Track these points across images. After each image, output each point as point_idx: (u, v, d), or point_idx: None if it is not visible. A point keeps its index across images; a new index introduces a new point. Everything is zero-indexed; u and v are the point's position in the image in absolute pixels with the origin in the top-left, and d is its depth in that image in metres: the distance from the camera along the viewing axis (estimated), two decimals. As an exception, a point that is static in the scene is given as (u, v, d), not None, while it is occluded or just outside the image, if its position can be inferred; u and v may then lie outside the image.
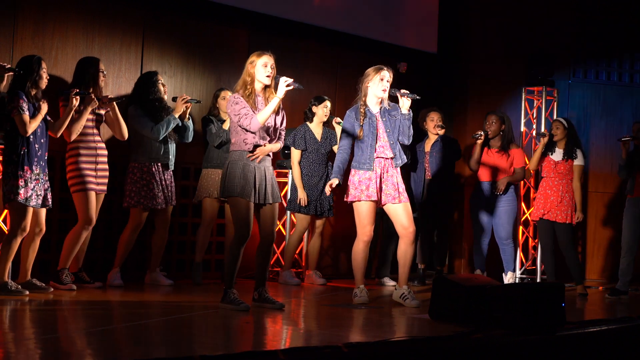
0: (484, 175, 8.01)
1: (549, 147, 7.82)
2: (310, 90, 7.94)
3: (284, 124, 5.78)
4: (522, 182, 8.60)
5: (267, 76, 5.62)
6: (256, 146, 5.59)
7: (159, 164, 6.86)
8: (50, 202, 6.00)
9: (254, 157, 5.58)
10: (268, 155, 5.69)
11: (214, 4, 7.64)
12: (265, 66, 5.62)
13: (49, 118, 6.09)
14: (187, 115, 7.01)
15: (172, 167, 7.00)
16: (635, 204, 7.55)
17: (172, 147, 6.98)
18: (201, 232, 7.42)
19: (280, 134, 5.75)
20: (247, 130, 5.55)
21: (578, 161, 7.73)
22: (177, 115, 6.85)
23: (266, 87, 5.67)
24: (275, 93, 5.60)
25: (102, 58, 6.99)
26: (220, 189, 5.64)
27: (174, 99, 7.00)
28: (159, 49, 7.50)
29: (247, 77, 5.63)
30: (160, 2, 7.50)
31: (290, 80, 5.54)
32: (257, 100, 5.64)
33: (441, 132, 8.10)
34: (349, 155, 6.24)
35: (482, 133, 7.88)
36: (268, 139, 5.65)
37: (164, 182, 6.90)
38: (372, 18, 8.95)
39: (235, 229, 5.60)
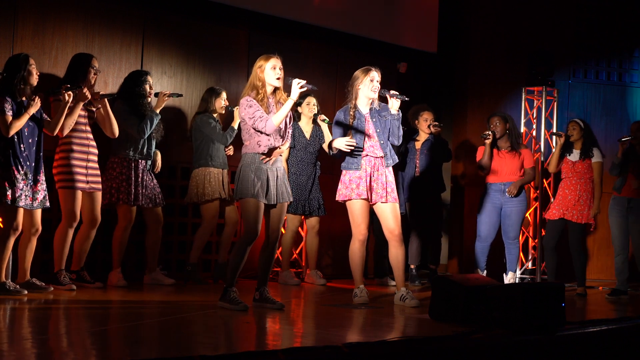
0: (495, 177, 7.89)
1: (567, 149, 7.79)
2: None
3: (291, 122, 5.80)
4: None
5: (277, 78, 5.63)
6: (271, 149, 5.60)
7: (140, 161, 6.82)
8: (48, 203, 5.97)
9: (267, 159, 5.60)
10: (280, 154, 5.73)
11: (214, 4, 7.64)
12: (274, 69, 5.62)
13: (45, 116, 6.06)
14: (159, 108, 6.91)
15: (150, 168, 6.93)
16: (621, 202, 7.60)
17: (153, 145, 6.94)
18: (200, 233, 7.34)
19: (288, 133, 5.76)
20: (261, 133, 5.56)
21: (596, 158, 7.71)
22: (158, 111, 6.84)
23: (276, 89, 5.69)
24: (286, 94, 5.61)
25: (102, 58, 6.99)
26: (234, 191, 5.67)
27: (156, 95, 6.94)
28: (159, 49, 7.50)
29: (257, 81, 5.63)
30: (160, 2, 7.49)
31: (303, 82, 5.55)
32: (268, 103, 5.65)
33: (438, 130, 8.07)
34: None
35: (490, 133, 7.80)
36: (281, 140, 5.67)
37: (143, 181, 6.81)
38: (372, 18, 8.94)
39: (244, 229, 5.62)
